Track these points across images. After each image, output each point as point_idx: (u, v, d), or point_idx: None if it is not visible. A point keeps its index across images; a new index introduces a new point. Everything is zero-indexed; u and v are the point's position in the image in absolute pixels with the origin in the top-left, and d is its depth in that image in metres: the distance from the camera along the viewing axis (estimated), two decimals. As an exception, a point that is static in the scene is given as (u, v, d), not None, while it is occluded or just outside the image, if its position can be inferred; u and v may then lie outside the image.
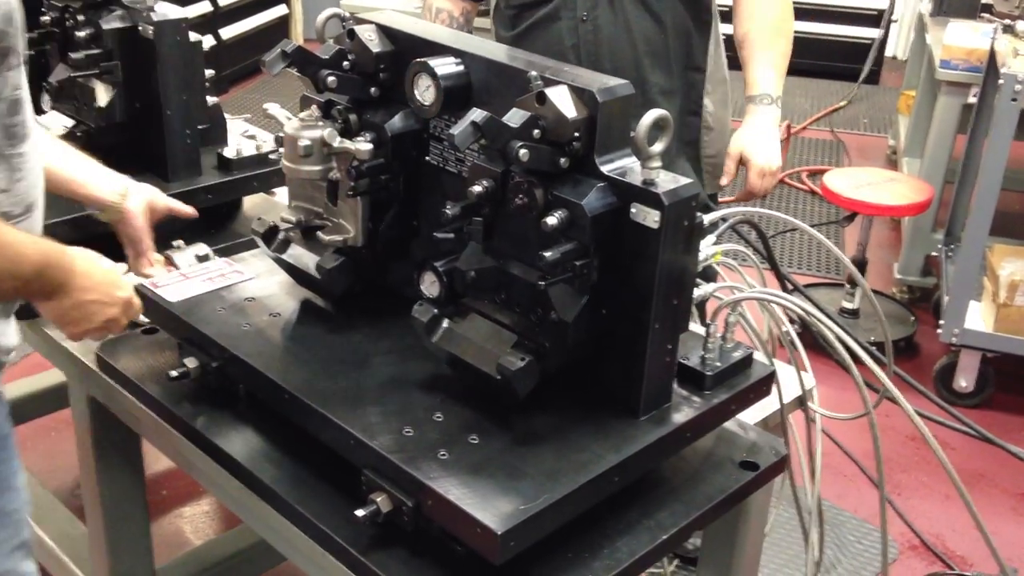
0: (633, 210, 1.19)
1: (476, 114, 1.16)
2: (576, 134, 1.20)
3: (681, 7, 2.15)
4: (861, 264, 3.82)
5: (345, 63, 1.40)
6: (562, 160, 1.21)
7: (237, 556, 2.16)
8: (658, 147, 1.20)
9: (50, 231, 1.70)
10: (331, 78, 1.36)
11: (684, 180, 1.20)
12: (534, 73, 1.23)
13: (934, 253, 3.96)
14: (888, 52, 6.89)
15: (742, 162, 2.17)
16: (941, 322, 3.39)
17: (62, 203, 1.78)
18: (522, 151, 1.16)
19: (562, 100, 1.20)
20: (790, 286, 1.87)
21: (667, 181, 1.19)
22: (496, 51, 1.35)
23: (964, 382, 3.42)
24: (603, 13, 2.11)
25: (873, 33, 6.41)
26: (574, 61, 2.12)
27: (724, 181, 2.21)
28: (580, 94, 1.21)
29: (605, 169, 1.21)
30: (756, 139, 2.14)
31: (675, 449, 1.32)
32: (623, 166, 1.22)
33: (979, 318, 3.37)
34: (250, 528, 1.53)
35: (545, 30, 2.16)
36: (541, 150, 1.19)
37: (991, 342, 3.33)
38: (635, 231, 1.20)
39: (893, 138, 5.43)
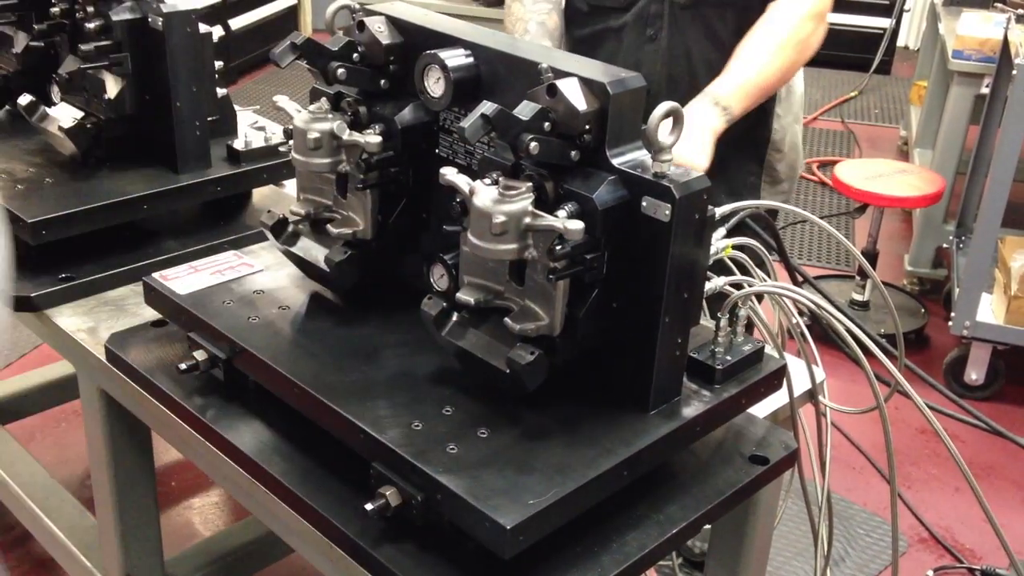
0: (644, 203, 1.19)
1: (486, 106, 1.15)
2: (587, 126, 1.19)
3: (744, 30, 2.06)
4: (872, 256, 3.80)
5: (355, 55, 1.39)
6: (573, 153, 1.20)
7: (246, 548, 2.17)
8: (669, 140, 1.19)
9: (50, 228, 1.72)
10: (341, 70, 1.35)
11: (695, 173, 1.20)
12: (545, 65, 1.23)
13: (945, 245, 3.95)
14: (900, 42, 6.85)
15: None
16: (952, 314, 3.38)
17: (62, 201, 1.79)
18: (532, 144, 1.15)
19: (573, 92, 1.19)
20: (800, 278, 1.85)
21: (678, 174, 1.19)
22: (506, 43, 1.34)
23: (975, 374, 3.41)
24: (666, 34, 2.08)
25: (885, 23, 6.37)
26: None
27: None
28: (591, 86, 1.20)
29: (616, 162, 1.20)
30: None
31: (685, 443, 1.31)
32: (634, 159, 1.22)
33: (990, 310, 3.36)
34: (259, 520, 1.53)
35: (613, 41, 2.12)
36: (551, 143, 1.18)
37: (1002, 334, 3.32)
38: (646, 224, 1.19)
39: (905, 129, 5.40)
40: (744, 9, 2.06)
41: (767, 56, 1.96)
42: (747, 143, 2.14)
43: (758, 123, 2.14)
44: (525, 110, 1.17)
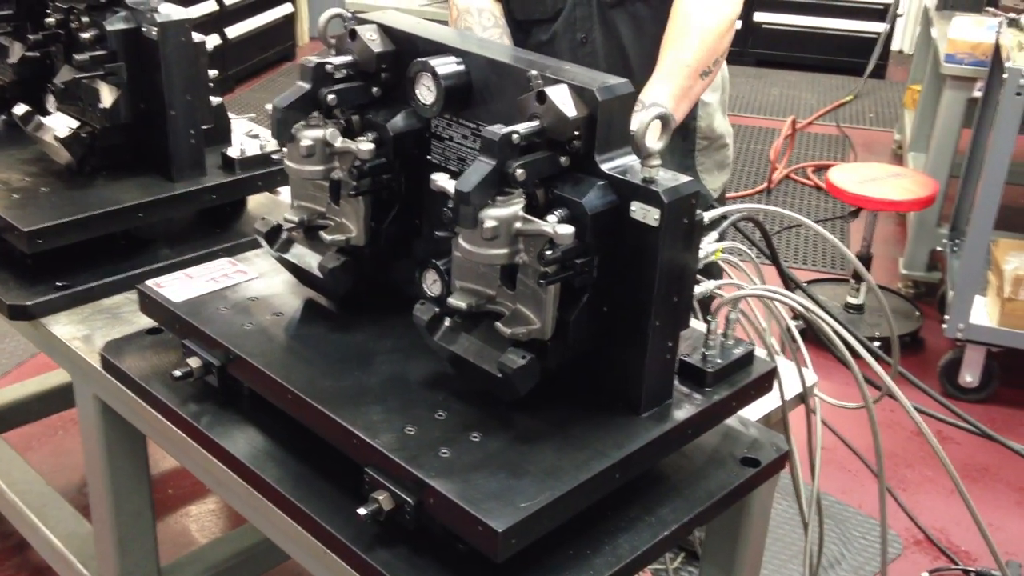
0: (633, 208, 1.20)
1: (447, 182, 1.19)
2: (576, 133, 1.21)
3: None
4: (866, 259, 3.82)
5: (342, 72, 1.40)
6: (563, 159, 1.22)
7: (242, 554, 2.17)
8: (658, 145, 1.20)
9: (45, 237, 1.73)
10: (330, 96, 1.37)
11: (684, 178, 1.21)
12: (534, 72, 1.24)
13: (939, 248, 3.96)
14: (894, 46, 6.88)
15: None
16: (946, 317, 3.39)
17: (58, 210, 1.80)
18: (519, 171, 1.17)
19: (562, 99, 1.20)
20: (792, 283, 1.86)
21: (667, 179, 1.20)
22: (497, 50, 1.36)
23: (969, 377, 3.42)
24: (598, 35, 2.11)
25: (879, 27, 6.40)
26: None
27: None
28: (580, 93, 1.21)
29: (605, 167, 1.22)
30: None
31: (676, 446, 1.32)
32: (623, 164, 1.23)
33: (984, 313, 3.37)
34: (254, 527, 1.54)
35: (548, 54, 2.14)
36: (538, 163, 1.19)
37: (996, 336, 3.33)
38: (635, 229, 1.20)
39: (899, 133, 5.42)
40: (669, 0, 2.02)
41: (686, 34, 1.89)
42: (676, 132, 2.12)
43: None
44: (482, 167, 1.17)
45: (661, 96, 1.84)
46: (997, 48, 3.52)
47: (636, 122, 1.20)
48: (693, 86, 1.90)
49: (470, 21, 2.15)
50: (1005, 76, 3.13)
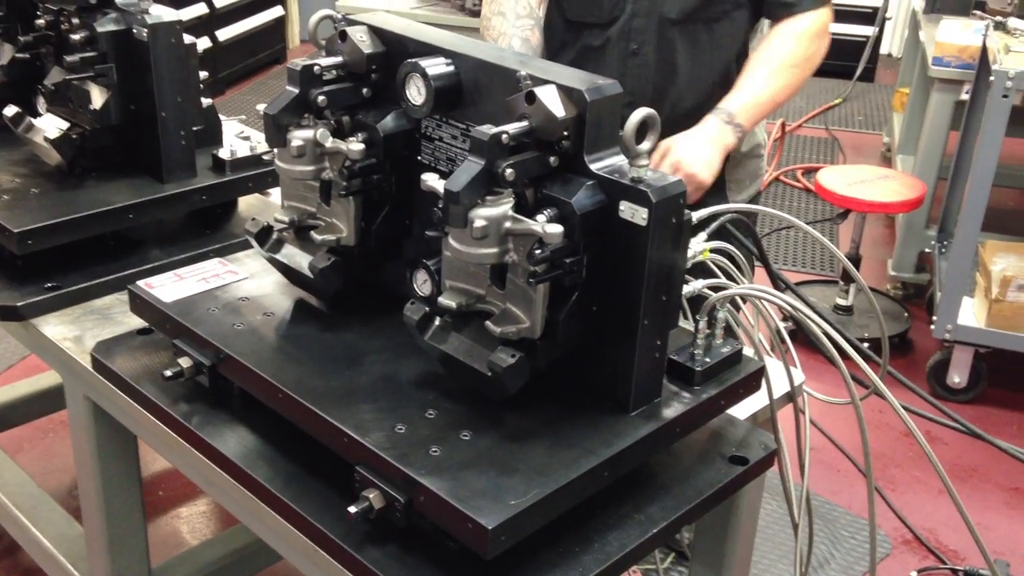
0: (622, 208, 1.21)
1: (437, 182, 1.20)
2: (565, 133, 1.21)
3: (731, 48, 2.14)
4: (855, 261, 3.84)
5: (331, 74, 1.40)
6: (552, 159, 1.23)
7: (233, 555, 2.17)
8: (646, 145, 1.21)
9: (35, 238, 1.73)
10: (321, 97, 1.38)
11: (672, 178, 1.22)
12: (523, 73, 1.25)
13: (927, 250, 3.98)
14: (883, 49, 6.91)
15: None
16: (934, 318, 3.41)
17: (48, 211, 1.80)
18: (508, 171, 1.17)
19: (551, 99, 1.21)
20: (781, 284, 1.88)
21: (655, 179, 1.21)
22: (486, 51, 1.36)
23: (957, 377, 3.44)
24: (652, 49, 2.10)
25: (867, 31, 6.43)
26: None
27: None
28: (569, 93, 1.22)
29: (594, 167, 1.23)
30: (686, 138, 2.02)
31: (665, 444, 1.33)
32: (612, 164, 1.24)
33: (972, 314, 3.39)
34: (246, 527, 1.54)
35: (594, 62, 2.13)
36: (527, 162, 1.20)
37: (984, 337, 3.35)
38: (624, 228, 1.21)
39: (888, 135, 5.45)
40: (731, 24, 2.10)
41: (775, 75, 2.06)
42: None
43: None
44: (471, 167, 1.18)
45: (743, 114, 2.00)
46: (984, 51, 3.54)
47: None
48: (769, 112, 2.10)
49: (504, 6, 2.15)
50: (992, 79, 3.15)
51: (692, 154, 1.96)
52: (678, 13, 2.08)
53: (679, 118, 2.07)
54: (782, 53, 2.08)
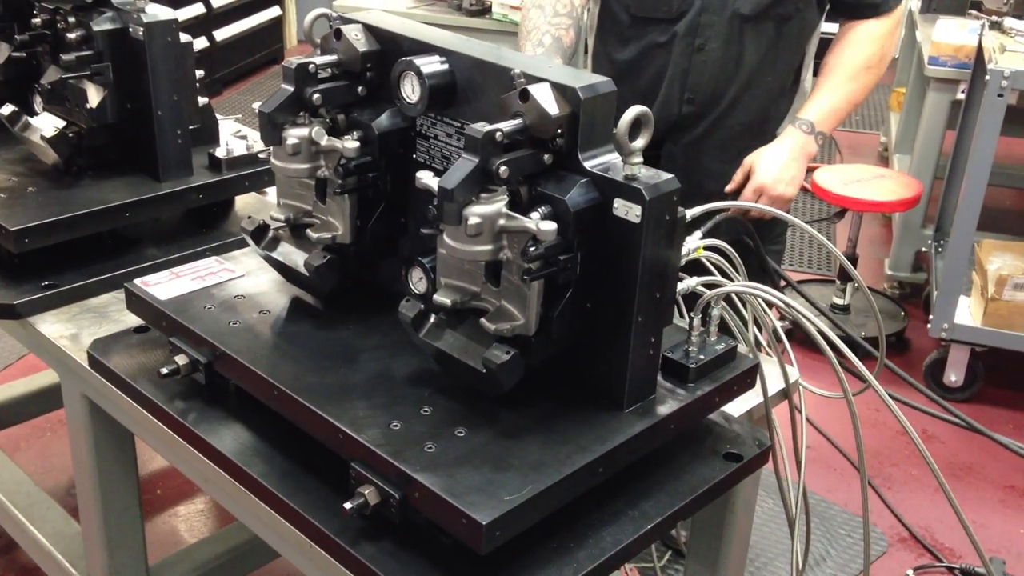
0: (615, 205, 1.21)
1: (432, 180, 1.20)
2: (559, 130, 1.22)
3: (795, 51, 2.17)
4: (852, 260, 3.84)
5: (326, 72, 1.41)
6: (546, 157, 1.23)
7: (230, 553, 2.18)
8: (639, 143, 1.21)
9: (32, 236, 1.74)
10: (316, 95, 1.38)
11: (665, 175, 1.22)
12: (518, 71, 1.25)
13: (924, 249, 3.99)
14: (879, 49, 6.90)
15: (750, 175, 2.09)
16: (931, 317, 3.42)
17: (45, 209, 1.80)
18: (502, 169, 1.18)
19: (545, 97, 1.22)
20: (782, 281, 1.89)
21: (649, 176, 1.21)
22: (480, 49, 1.37)
23: (954, 376, 3.45)
24: (718, 44, 2.09)
25: (864, 30, 6.42)
26: (678, 88, 2.11)
27: (727, 188, 2.11)
28: (563, 91, 1.23)
29: (588, 165, 1.23)
30: (770, 157, 2.06)
31: (659, 440, 1.33)
32: (606, 162, 1.24)
33: (968, 313, 3.40)
34: (242, 525, 1.55)
35: (661, 58, 2.12)
36: (521, 160, 1.21)
37: (980, 336, 3.36)
38: (618, 226, 1.21)
39: (885, 135, 5.45)
40: (800, 23, 2.12)
41: (853, 79, 2.13)
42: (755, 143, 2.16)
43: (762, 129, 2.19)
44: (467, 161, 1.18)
45: (824, 123, 2.09)
46: (980, 50, 3.55)
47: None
48: (847, 115, 2.19)
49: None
50: (987, 78, 3.16)
51: (775, 177, 2.03)
52: (751, 8, 2.06)
53: (735, 117, 2.11)
54: (860, 56, 2.14)
